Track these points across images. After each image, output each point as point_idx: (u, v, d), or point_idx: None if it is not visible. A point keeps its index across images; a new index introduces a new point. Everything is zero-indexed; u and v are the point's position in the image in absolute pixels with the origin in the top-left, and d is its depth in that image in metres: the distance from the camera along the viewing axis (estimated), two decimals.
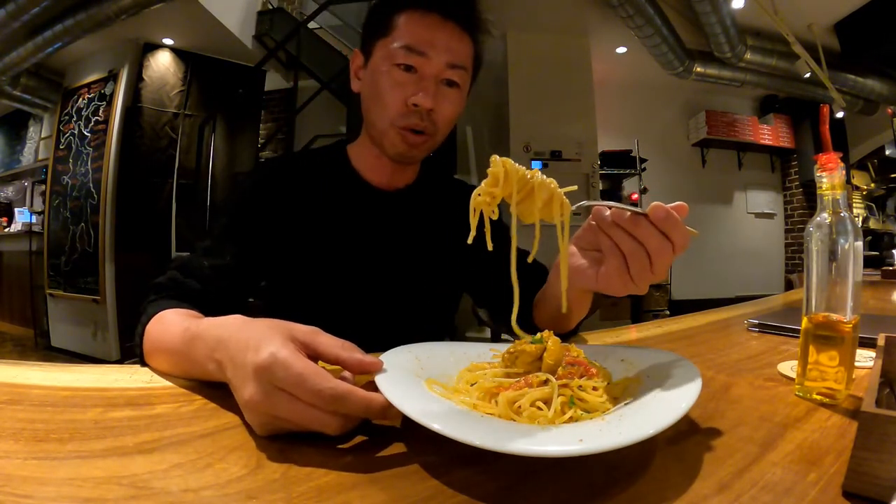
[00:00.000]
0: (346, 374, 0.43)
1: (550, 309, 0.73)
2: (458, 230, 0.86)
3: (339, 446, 0.37)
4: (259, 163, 0.88)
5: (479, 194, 0.45)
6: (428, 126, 0.76)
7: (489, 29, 0.80)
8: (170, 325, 0.55)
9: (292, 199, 0.79)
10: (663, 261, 0.46)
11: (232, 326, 0.43)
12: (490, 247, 0.46)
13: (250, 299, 0.83)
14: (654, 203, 0.44)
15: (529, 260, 0.49)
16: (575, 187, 0.47)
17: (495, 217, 0.47)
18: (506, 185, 0.43)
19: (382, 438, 0.38)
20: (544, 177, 0.45)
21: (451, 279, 0.91)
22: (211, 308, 0.62)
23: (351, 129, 3.62)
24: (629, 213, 0.45)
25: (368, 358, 0.41)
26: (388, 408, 0.36)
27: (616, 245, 0.47)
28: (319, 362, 0.40)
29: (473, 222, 0.45)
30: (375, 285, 0.82)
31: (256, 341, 0.38)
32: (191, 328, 0.48)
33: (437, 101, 0.74)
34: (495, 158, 0.44)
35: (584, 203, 0.49)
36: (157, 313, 0.59)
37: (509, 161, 0.44)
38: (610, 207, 0.47)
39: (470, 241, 0.45)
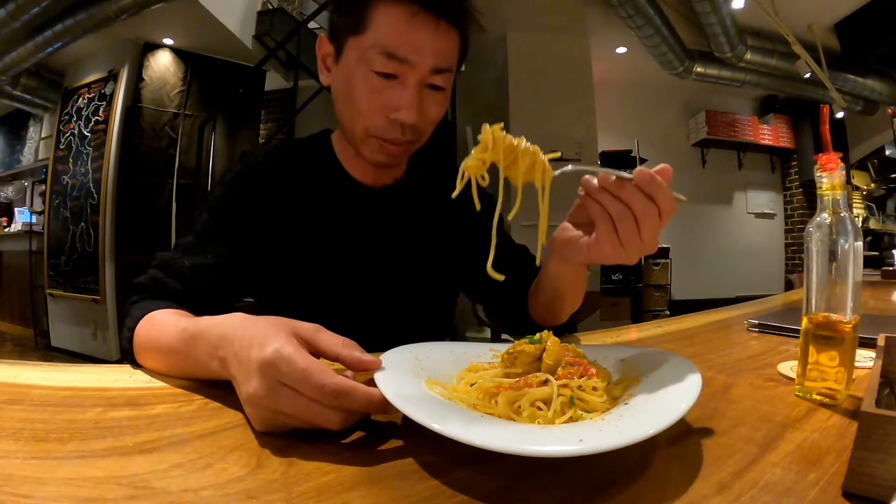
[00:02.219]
0: (349, 372, 0.43)
1: (544, 298, 0.72)
2: (452, 221, 0.83)
3: (342, 442, 0.37)
4: (243, 155, 0.85)
5: (470, 161, 0.47)
6: (410, 136, 0.69)
7: (479, 20, 0.70)
8: (163, 325, 0.55)
9: (276, 195, 0.74)
10: (650, 225, 0.47)
11: (234, 324, 0.43)
12: (478, 206, 0.48)
13: (249, 299, 0.83)
14: (639, 167, 0.46)
15: (510, 217, 0.50)
16: (558, 153, 0.49)
17: (485, 183, 0.48)
18: (494, 152, 0.46)
19: (382, 438, 0.38)
20: (529, 144, 0.48)
21: (445, 277, 0.88)
22: (196, 308, 0.62)
23: None
24: (615, 176, 0.47)
25: (368, 357, 0.41)
26: (389, 402, 0.36)
27: (605, 210, 0.48)
28: (322, 359, 0.40)
29: (460, 185, 0.47)
30: (367, 286, 0.79)
31: (261, 338, 0.38)
32: (189, 328, 0.48)
33: (420, 111, 0.66)
34: (486, 127, 0.47)
35: (569, 168, 0.50)
36: (143, 314, 0.59)
37: (497, 129, 0.46)
38: (596, 174, 0.49)
39: (454, 195, 0.47)
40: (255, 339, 0.38)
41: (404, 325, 0.80)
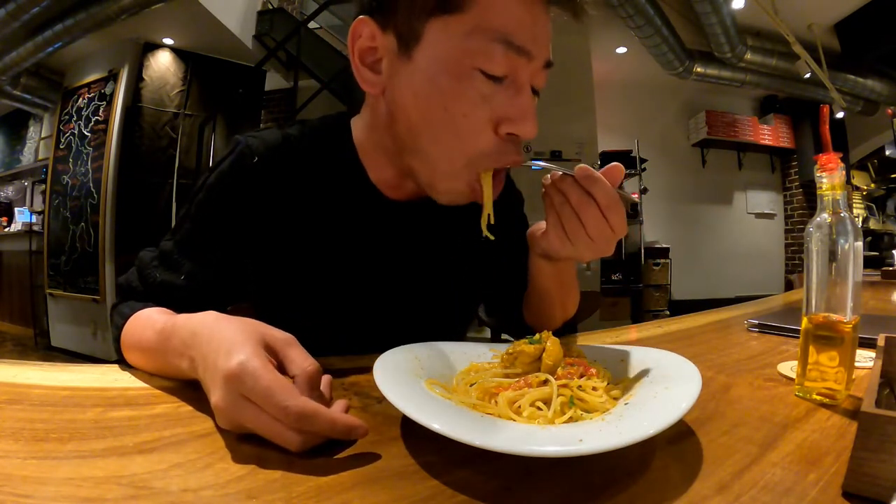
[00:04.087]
0: (325, 380, 0.42)
1: (533, 300, 0.73)
2: (471, 236, 0.72)
3: (339, 447, 0.37)
4: (235, 146, 0.60)
5: None
6: (523, 158, 0.55)
7: (586, 9, 0.55)
8: (145, 325, 0.54)
9: (276, 202, 0.61)
10: (590, 217, 0.49)
11: (206, 323, 0.42)
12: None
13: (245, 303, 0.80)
14: (580, 164, 0.49)
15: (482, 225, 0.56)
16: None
17: None
18: None
19: (382, 438, 0.38)
20: None
21: (469, 299, 0.79)
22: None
23: None
24: (560, 172, 0.51)
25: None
26: (353, 429, 0.36)
27: (551, 202, 0.52)
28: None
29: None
30: (383, 311, 0.68)
31: (229, 345, 0.37)
32: (166, 327, 0.47)
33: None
34: None
35: (539, 164, 0.54)
36: (131, 313, 0.57)
37: None
38: (549, 171, 0.52)
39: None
40: (224, 345, 0.37)
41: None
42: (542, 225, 0.58)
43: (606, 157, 4.52)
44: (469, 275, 0.77)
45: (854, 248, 0.44)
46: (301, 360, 0.39)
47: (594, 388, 0.41)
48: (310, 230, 0.63)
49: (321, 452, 0.35)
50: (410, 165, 0.57)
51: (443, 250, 0.72)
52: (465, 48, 0.48)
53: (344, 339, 0.66)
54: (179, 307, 0.55)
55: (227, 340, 0.38)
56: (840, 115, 4.52)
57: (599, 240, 0.50)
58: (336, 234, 0.64)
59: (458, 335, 0.82)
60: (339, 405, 0.39)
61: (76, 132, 3.88)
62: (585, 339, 0.78)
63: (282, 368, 0.39)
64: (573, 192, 0.49)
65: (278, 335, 0.41)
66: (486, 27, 0.47)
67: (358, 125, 0.66)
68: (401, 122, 0.54)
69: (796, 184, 5.50)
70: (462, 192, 0.56)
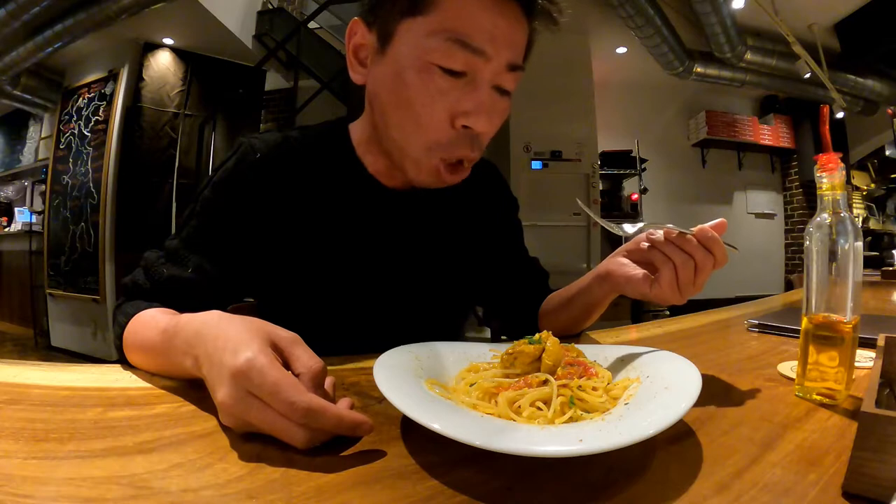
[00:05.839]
0: (329, 380, 0.42)
1: (574, 314, 0.74)
2: (472, 227, 0.79)
3: (340, 447, 0.37)
4: (238, 146, 0.66)
5: None
6: (478, 153, 0.60)
7: (556, 15, 0.59)
8: (147, 325, 0.54)
9: (278, 197, 0.65)
10: (705, 273, 0.53)
11: (210, 322, 0.42)
12: None
13: (249, 299, 0.81)
14: (700, 226, 0.53)
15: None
16: None
17: None
18: None
19: (382, 438, 0.38)
20: None
21: (463, 291, 0.82)
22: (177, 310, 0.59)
23: None
24: (677, 232, 0.54)
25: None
26: (359, 425, 0.36)
27: (668, 259, 0.54)
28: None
29: None
30: (381, 297, 0.71)
31: (235, 343, 0.37)
32: (169, 328, 0.47)
33: (491, 119, 0.57)
34: None
35: (641, 225, 0.58)
36: (134, 313, 0.57)
37: None
38: (662, 229, 0.55)
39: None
40: (230, 343, 0.37)
41: (414, 337, 0.75)
42: (629, 268, 0.60)
43: (606, 157, 4.52)
44: (466, 263, 0.80)
45: (854, 248, 0.44)
46: (307, 358, 0.40)
47: (594, 388, 0.41)
48: (312, 222, 0.67)
49: (321, 452, 0.35)
50: (386, 149, 0.64)
51: (441, 237, 0.76)
52: (425, 46, 0.54)
53: (347, 333, 0.67)
54: (187, 302, 0.58)
55: (232, 338, 0.38)
56: (840, 115, 4.52)
57: (700, 286, 0.55)
58: (338, 224, 0.68)
59: (457, 326, 0.85)
60: (344, 403, 0.39)
61: (76, 132, 3.88)
62: (585, 339, 0.78)
63: (287, 367, 0.39)
64: (698, 252, 0.53)
65: (283, 334, 0.41)
66: (444, 28, 0.53)
67: (358, 124, 0.72)
68: (376, 110, 0.62)
69: (796, 184, 5.50)
70: (430, 175, 0.61)
